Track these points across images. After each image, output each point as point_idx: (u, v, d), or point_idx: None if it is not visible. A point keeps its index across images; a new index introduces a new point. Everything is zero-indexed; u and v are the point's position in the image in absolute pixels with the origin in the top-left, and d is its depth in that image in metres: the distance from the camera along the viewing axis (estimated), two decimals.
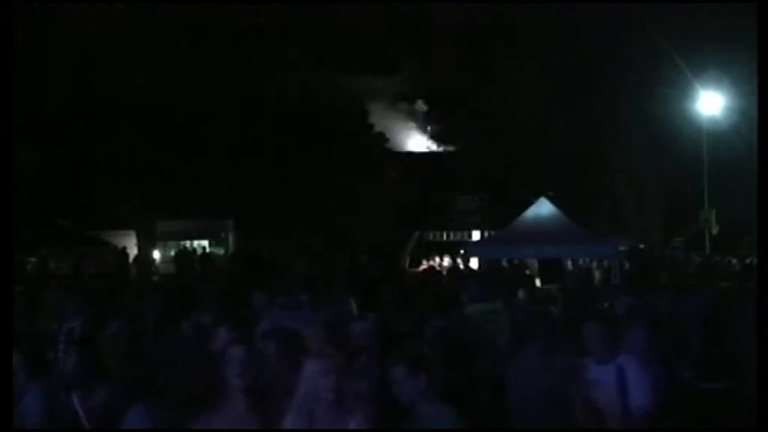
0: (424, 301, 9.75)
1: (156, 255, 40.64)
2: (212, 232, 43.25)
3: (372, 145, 41.89)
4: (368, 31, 39.28)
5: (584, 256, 26.30)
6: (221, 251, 42.23)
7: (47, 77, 34.08)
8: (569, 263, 27.37)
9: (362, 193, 41.56)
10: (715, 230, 41.74)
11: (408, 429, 4.91)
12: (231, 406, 5.00)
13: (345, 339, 6.80)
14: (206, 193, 40.40)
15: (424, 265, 36.48)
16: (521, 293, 15.70)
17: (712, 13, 38.13)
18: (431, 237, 43.94)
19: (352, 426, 4.71)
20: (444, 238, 43.95)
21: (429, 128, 49.34)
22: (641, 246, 35.78)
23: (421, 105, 45.39)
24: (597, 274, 26.74)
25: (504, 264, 25.43)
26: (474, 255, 25.78)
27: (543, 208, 22.00)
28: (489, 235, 32.38)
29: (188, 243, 42.86)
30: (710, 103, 42.90)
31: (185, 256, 39.36)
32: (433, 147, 51.50)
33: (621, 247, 23.41)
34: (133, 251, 38.94)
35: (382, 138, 42.44)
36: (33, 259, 33.42)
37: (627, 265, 23.95)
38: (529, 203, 22.78)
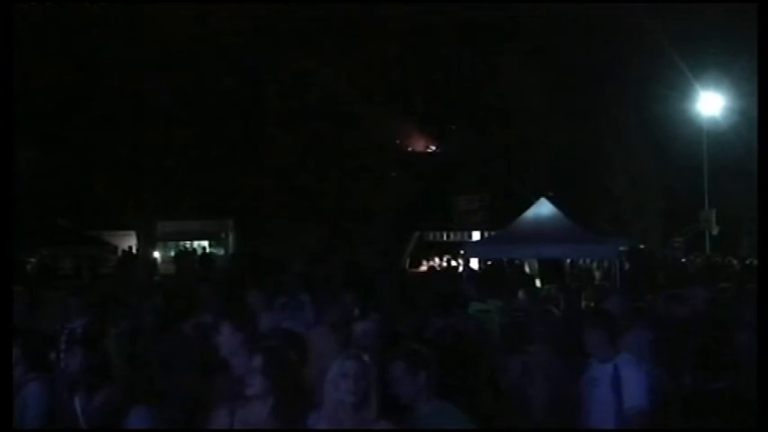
0: (424, 301, 9.76)
1: (157, 255, 40.68)
2: (212, 233, 43.32)
3: (372, 145, 41.86)
4: (368, 31, 39.26)
5: (584, 256, 26.29)
6: (221, 251, 42.27)
7: (47, 78, 34.06)
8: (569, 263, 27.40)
9: (363, 194, 41.54)
10: (715, 231, 41.71)
11: (410, 429, 4.90)
12: (249, 408, 4.99)
13: (348, 339, 6.81)
14: (206, 194, 40.39)
15: (425, 266, 36.57)
16: (521, 294, 15.70)
17: (712, 13, 38.11)
18: (431, 237, 43.98)
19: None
20: (444, 238, 43.98)
21: (429, 128, 49.38)
22: (641, 246, 35.77)
23: (421, 105, 45.37)
24: (597, 275, 26.76)
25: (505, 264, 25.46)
26: (474, 255, 25.74)
27: (543, 208, 21.97)
28: (489, 235, 32.37)
29: (188, 243, 42.92)
30: (710, 103, 42.89)
31: (185, 256, 39.39)
32: (434, 147, 51.53)
33: (621, 248, 23.34)
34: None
35: (382, 138, 42.44)
36: (33, 259, 33.45)
37: (627, 265, 23.92)
38: (529, 204, 22.75)
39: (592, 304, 13.39)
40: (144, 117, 37.04)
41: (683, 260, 32.89)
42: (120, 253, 38.41)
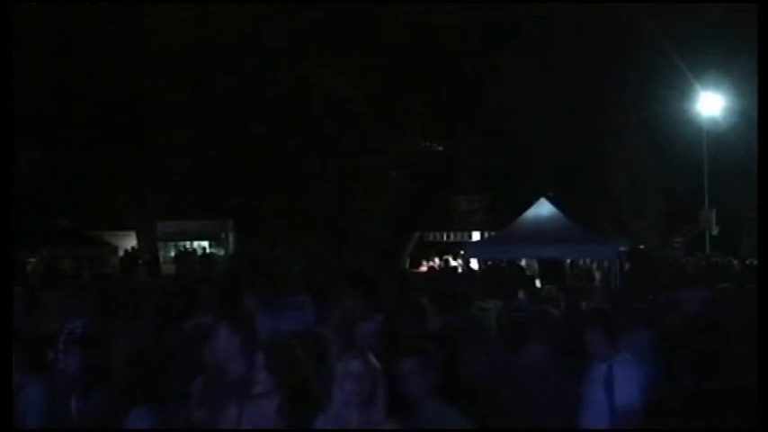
0: (425, 301, 9.75)
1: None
2: (213, 233, 43.32)
3: (372, 145, 41.85)
4: (368, 31, 39.24)
5: (584, 256, 26.35)
6: (221, 252, 42.28)
7: (47, 78, 34.06)
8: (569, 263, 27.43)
9: (362, 194, 41.54)
10: (715, 231, 41.75)
11: (413, 429, 4.89)
12: (256, 407, 4.99)
13: (351, 340, 6.81)
14: (206, 194, 40.38)
15: (425, 266, 36.59)
16: (520, 294, 15.73)
17: (712, 13, 38.10)
18: (431, 237, 43.96)
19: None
20: (444, 238, 43.97)
21: (429, 128, 49.33)
22: (641, 246, 35.79)
23: (421, 105, 45.36)
24: (597, 275, 26.79)
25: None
26: (474, 255, 25.78)
27: (543, 208, 21.99)
28: (489, 235, 32.36)
29: (188, 244, 42.93)
30: (710, 103, 42.94)
31: (186, 256, 39.43)
32: (434, 147, 51.51)
33: (621, 248, 23.38)
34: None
35: (382, 138, 42.43)
36: (34, 259, 33.48)
37: (627, 265, 23.94)
38: (529, 204, 22.77)
39: (592, 304, 13.41)
40: (144, 117, 37.05)
41: (683, 260, 32.90)
42: (122, 253, 38.49)
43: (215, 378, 5.74)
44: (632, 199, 44.92)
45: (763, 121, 7.11)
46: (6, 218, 6.02)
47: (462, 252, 30.22)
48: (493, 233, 30.02)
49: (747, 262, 25.84)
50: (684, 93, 42.58)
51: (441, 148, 48.81)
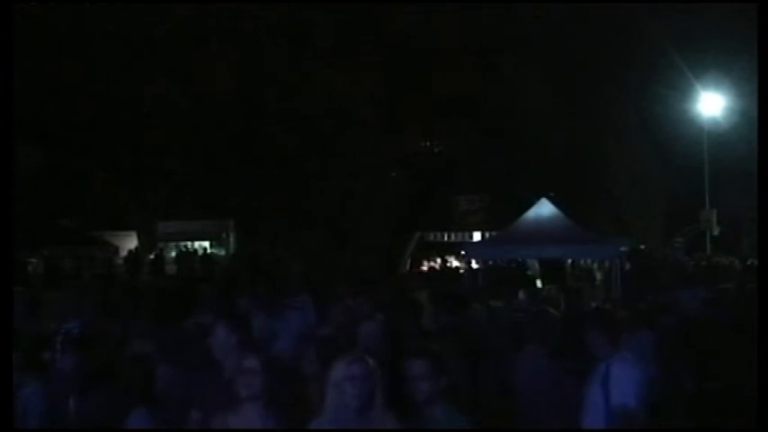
0: (425, 301, 9.76)
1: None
2: (213, 233, 43.32)
3: (373, 146, 41.83)
4: (368, 31, 39.23)
5: (584, 256, 26.33)
6: (222, 252, 42.29)
7: (49, 78, 34.07)
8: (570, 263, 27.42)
9: (363, 194, 41.52)
10: (716, 231, 41.78)
11: (413, 429, 4.87)
12: (244, 409, 4.97)
13: (353, 340, 6.80)
14: (207, 194, 40.37)
15: (425, 266, 36.61)
16: (521, 294, 15.72)
17: (713, 13, 38.09)
18: (431, 237, 43.98)
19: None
20: (445, 238, 44.00)
21: (429, 128, 49.33)
22: (642, 246, 35.78)
23: (421, 105, 45.34)
24: (598, 275, 26.79)
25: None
26: (475, 255, 25.74)
27: (544, 208, 21.96)
28: (490, 235, 32.37)
29: (189, 244, 42.94)
30: (711, 103, 42.95)
31: (186, 256, 39.45)
32: (434, 147, 51.48)
33: (622, 248, 23.35)
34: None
35: (383, 138, 42.41)
36: (35, 259, 33.50)
37: (628, 265, 23.93)
38: (530, 204, 22.74)
39: (593, 304, 13.43)
40: (145, 117, 37.04)
41: (684, 260, 32.89)
42: (126, 253, 38.49)
43: (212, 378, 5.74)
44: (633, 199, 44.92)
45: (764, 121, 7.11)
46: (6, 218, 6.01)
47: (463, 252, 30.23)
48: (493, 233, 30.03)
49: (748, 262, 25.84)
50: (685, 93, 42.59)
51: (441, 149, 48.81)
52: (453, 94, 41.87)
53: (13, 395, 5.72)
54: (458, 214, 44.64)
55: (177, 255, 40.34)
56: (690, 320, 8.50)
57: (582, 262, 28.28)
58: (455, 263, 34.40)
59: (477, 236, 39.58)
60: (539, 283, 23.88)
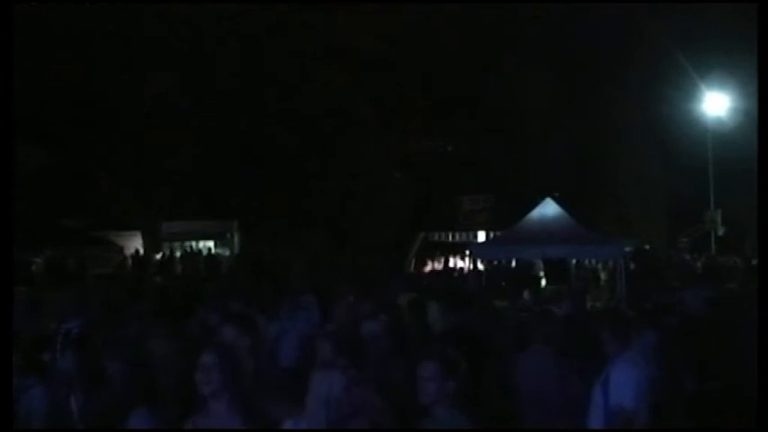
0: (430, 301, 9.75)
1: (158, 256, 40.69)
2: (217, 233, 43.31)
3: (377, 145, 41.83)
4: (370, 32, 39.19)
5: (589, 256, 26.22)
6: (227, 252, 42.28)
7: (51, 78, 34.09)
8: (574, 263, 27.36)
9: (367, 194, 41.53)
10: (720, 231, 41.70)
11: (413, 429, 4.85)
12: (210, 409, 4.91)
13: (357, 339, 6.80)
14: (211, 194, 40.39)
15: (429, 266, 36.55)
16: (525, 294, 15.72)
17: (717, 13, 38.01)
18: (436, 237, 43.91)
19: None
20: (449, 238, 43.92)
21: (433, 128, 49.32)
22: (647, 246, 35.74)
23: (425, 105, 45.34)
24: (603, 275, 26.75)
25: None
26: (479, 255, 25.67)
27: (549, 208, 21.91)
28: (495, 236, 32.30)
29: (193, 244, 42.94)
30: (716, 103, 42.84)
31: (190, 256, 39.44)
32: (438, 147, 51.45)
33: (627, 248, 23.32)
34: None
35: (387, 138, 42.41)
36: (39, 260, 33.50)
37: (632, 265, 23.90)
38: (534, 204, 22.70)
39: (597, 304, 13.41)
40: (149, 117, 37.08)
41: (689, 261, 32.84)
42: (127, 253, 38.50)
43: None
44: (637, 199, 44.88)
45: (764, 121, 7.09)
46: (7, 218, 6.00)
47: (468, 252, 30.17)
48: (498, 233, 29.97)
49: (753, 262, 25.77)
50: (690, 93, 42.50)
51: (445, 149, 48.80)
52: (458, 95, 41.90)
53: (13, 395, 5.72)
54: (462, 214, 44.57)
55: (181, 255, 40.36)
56: (692, 320, 8.49)
57: (586, 262, 28.21)
58: (459, 263, 34.35)
59: (481, 236, 39.50)
60: (543, 283, 23.87)
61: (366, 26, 38.83)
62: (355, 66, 39.08)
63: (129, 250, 38.98)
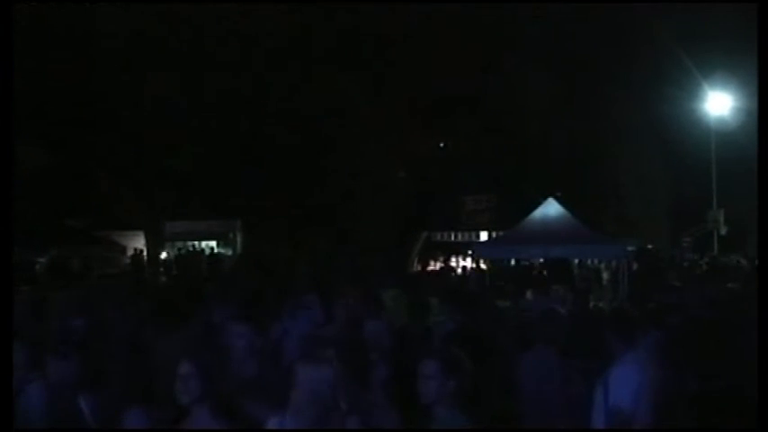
0: (433, 301, 9.75)
1: (164, 255, 40.78)
2: (220, 233, 43.38)
3: (377, 145, 41.81)
4: (371, 32, 39.13)
5: (592, 256, 26.28)
6: (229, 251, 42.34)
7: (53, 79, 34.08)
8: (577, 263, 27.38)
9: (369, 194, 41.50)
10: (723, 231, 41.66)
11: (413, 429, 4.85)
12: (192, 416, 4.90)
13: (359, 338, 6.80)
14: (214, 194, 40.38)
15: (432, 266, 36.60)
16: (528, 294, 15.71)
17: (720, 12, 37.95)
18: (438, 237, 43.93)
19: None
20: (452, 238, 43.94)
21: (436, 128, 49.30)
22: (649, 246, 35.73)
23: (427, 105, 45.34)
24: (605, 275, 26.76)
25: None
26: (482, 255, 25.72)
27: (551, 208, 21.95)
28: (497, 235, 32.33)
29: (196, 243, 43.00)
30: (718, 103, 42.80)
31: (193, 256, 39.49)
32: (441, 147, 51.42)
33: (629, 248, 23.34)
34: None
35: (389, 138, 42.39)
36: (42, 260, 33.55)
37: (635, 265, 23.91)
38: (537, 204, 22.74)
39: (600, 304, 13.40)
40: (152, 117, 37.06)
41: (691, 260, 32.83)
42: (130, 253, 38.56)
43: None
44: (640, 199, 44.86)
45: (764, 121, 7.09)
46: (7, 218, 6.00)
47: (470, 252, 30.20)
48: (501, 233, 29.99)
49: (756, 262, 25.75)
50: (692, 92, 42.45)
51: (448, 149, 48.79)
52: (460, 94, 41.87)
53: (13, 395, 5.72)
54: (465, 214, 44.63)
55: (185, 255, 40.42)
56: (694, 320, 8.47)
57: (589, 262, 28.24)
58: (461, 262, 34.38)
59: (484, 236, 39.52)
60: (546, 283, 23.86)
61: (366, 26, 38.79)
62: (355, 66, 39.02)
63: (132, 250, 39.04)
